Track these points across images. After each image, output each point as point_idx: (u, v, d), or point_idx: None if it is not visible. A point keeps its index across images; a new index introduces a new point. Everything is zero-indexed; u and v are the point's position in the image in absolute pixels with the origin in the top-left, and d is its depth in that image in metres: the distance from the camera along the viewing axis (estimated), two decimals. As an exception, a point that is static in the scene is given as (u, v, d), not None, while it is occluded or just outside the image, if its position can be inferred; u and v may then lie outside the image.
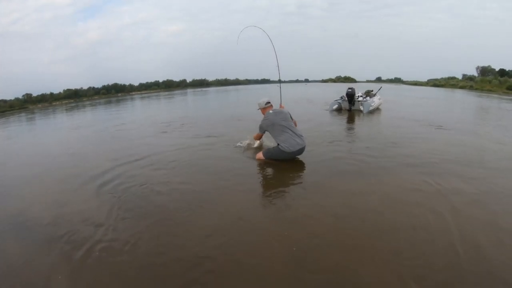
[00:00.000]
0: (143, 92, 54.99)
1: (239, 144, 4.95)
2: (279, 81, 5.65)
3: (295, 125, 4.22)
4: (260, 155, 4.14)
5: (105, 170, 4.06)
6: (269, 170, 3.83)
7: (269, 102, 4.33)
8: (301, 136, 4.05)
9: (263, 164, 4.01)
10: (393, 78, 62.38)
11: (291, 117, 4.17)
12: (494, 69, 40.14)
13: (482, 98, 18.03)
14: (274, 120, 4.05)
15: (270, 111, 4.19)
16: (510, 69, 37.74)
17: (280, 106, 4.66)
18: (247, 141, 4.91)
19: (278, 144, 4.02)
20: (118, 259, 2.03)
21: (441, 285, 1.69)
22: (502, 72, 37.49)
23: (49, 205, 3.07)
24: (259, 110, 4.39)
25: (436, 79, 43.97)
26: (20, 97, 44.28)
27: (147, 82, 63.31)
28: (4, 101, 41.11)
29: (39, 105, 41.02)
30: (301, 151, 4.04)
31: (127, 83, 59.96)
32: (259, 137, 4.55)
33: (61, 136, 8.55)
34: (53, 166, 4.75)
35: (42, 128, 12.06)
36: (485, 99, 16.81)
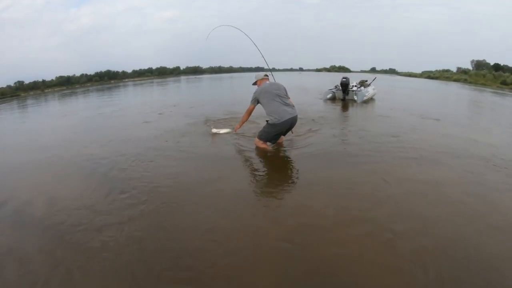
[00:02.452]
0: (136, 79, 54.06)
1: (215, 130, 4.89)
2: (270, 69, 5.50)
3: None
4: (257, 140, 4.02)
5: (95, 154, 4.04)
6: (260, 160, 3.75)
7: (267, 75, 4.22)
8: (292, 106, 3.91)
9: (253, 154, 3.91)
10: (387, 69, 62.03)
11: (286, 93, 4.00)
12: (488, 63, 40.22)
13: (475, 91, 18.16)
14: (266, 88, 3.92)
15: (267, 82, 4.10)
16: (505, 64, 37.84)
17: None
18: (221, 130, 4.89)
19: (267, 121, 3.89)
20: (104, 249, 1.95)
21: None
22: (497, 67, 37.60)
23: (40, 190, 3.03)
24: (255, 84, 4.20)
25: (431, 71, 43.90)
26: (12, 84, 43.15)
27: (140, 69, 61.96)
28: (-5, 88, 40.02)
29: (31, 93, 40.07)
30: (292, 120, 3.85)
31: (120, 70, 58.77)
32: (249, 112, 4.23)
33: (57, 123, 8.47)
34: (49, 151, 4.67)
35: (41, 115, 11.88)
36: (479, 93, 16.93)
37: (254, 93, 4.03)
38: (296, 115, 3.90)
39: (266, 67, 5.29)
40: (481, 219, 2.26)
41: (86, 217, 2.34)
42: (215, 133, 4.81)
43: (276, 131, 3.86)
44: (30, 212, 2.52)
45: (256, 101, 4.02)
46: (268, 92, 3.89)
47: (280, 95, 3.88)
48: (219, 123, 5.08)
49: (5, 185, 3.32)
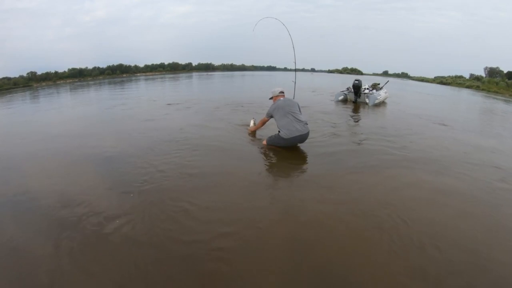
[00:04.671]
0: (148, 73, 54.66)
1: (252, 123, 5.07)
2: (295, 70, 5.83)
3: None
4: (264, 142, 4.30)
5: (109, 146, 4.31)
6: (271, 157, 3.91)
7: (283, 92, 4.46)
8: (304, 123, 4.08)
9: (265, 151, 4.10)
10: (400, 72, 61.28)
11: (299, 109, 4.24)
12: (502, 71, 39.62)
13: (487, 99, 18.07)
14: (280, 105, 4.17)
15: (281, 99, 4.32)
16: (519, 72, 37.14)
17: None
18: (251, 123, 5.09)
19: (278, 131, 4.12)
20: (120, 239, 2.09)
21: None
22: (510, 75, 37.01)
23: (52, 181, 3.21)
24: (271, 99, 4.48)
25: (443, 77, 43.34)
26: (25, 75, 43.87)
27: (152, 64, 62.57)
28: (8, 78, 40.70)
29: (43, 83, 40.79)
30: (301, 138, 4.07)
31: (132, 64, 59.36)
32: (263, 122, 4.65)
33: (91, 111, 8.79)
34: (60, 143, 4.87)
35: (73, 103, 12.19)
36: (489, 100, 16.86)
37: (270, 108, 4.34)
38: (307, 132, 4.10)
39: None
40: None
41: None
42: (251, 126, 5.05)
43: (284, 144, 4.11)
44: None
45: (270, 115, 4.34)
46: (281, 108, 4.14)
47: (293, 111, 4.12)
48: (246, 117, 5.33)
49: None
